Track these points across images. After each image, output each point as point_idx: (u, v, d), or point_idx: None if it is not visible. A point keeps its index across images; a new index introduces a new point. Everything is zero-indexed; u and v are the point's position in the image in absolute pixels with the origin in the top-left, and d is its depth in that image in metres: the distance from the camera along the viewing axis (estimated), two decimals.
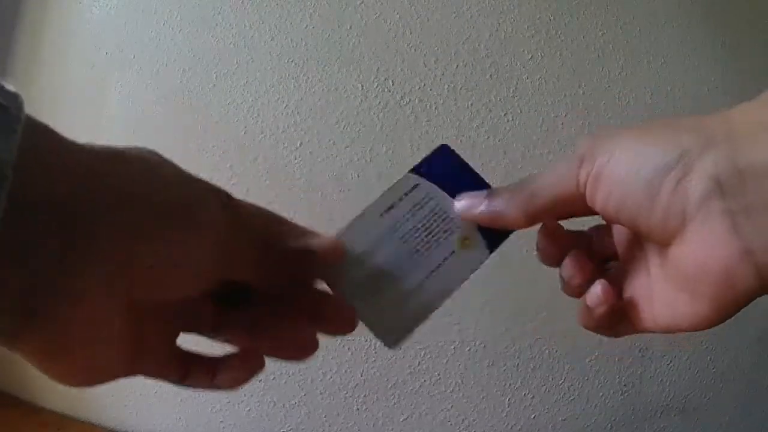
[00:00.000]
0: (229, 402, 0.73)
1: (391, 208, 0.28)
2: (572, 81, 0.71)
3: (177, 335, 0.25)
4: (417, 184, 0.28)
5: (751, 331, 0.72)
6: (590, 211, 0.25)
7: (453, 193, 0.28)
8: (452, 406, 0.73)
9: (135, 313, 0.20)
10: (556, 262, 0.28)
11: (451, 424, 0.73)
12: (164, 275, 0.20)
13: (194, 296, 0.22)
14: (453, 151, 0.29)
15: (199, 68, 0.75)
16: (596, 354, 0.72)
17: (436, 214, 0.28)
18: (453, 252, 0.28)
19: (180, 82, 0.75)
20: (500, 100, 0.71)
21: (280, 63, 0.73)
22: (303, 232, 0.27)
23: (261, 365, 0.26)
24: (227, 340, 0.26)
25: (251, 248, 0.24)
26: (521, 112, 0.71)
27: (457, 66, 0.71)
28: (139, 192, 0.20)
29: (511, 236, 0.28)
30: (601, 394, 0.73)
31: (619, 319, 0.26)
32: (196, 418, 0.75)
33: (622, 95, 0.71)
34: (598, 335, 0.28)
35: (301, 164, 0.72)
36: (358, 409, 0.73)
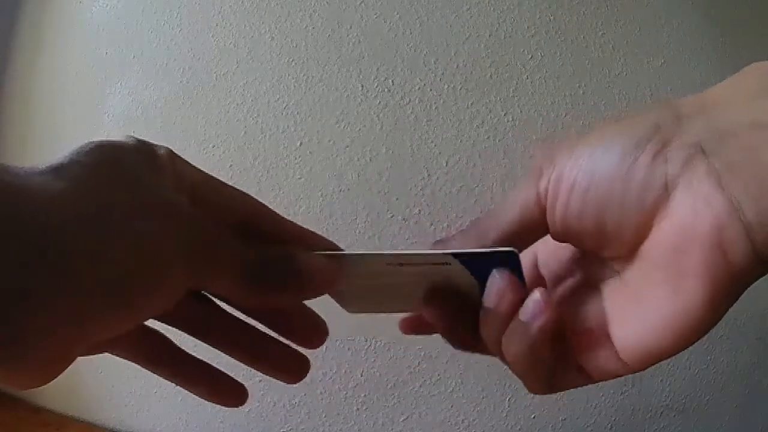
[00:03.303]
0: None
1: (402, 265, 0.24)
2: (572, 81, 0.71)
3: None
4: (447, 263, 0.23)
5: (750, 331, 0.72)
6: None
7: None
8: (452, 406, 0.73)
9: None
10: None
11: (451, 424, 0.73)
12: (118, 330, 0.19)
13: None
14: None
15: (199, 68, 0.75)
16: None
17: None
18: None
19: (180, 82, 0.75)
20: (500, 100, 0.71)
21: (280, 63, 0.73)
22: (295, 234, 0.26)
23: (241, 396, 0.25)
24: (205, 341, 0.25)
25: (224, 282, 0.21)
26: (521, 112, 0.71)
27: (457, 66, 0.71)
28: (86, 267, 0.17)
29: None
30: (601, 394, 0.73)
31: (563, 359, 0.23)
32: (196, 418, 0.75)
33: (622, 95, 0.71)
34: None
35: (301, 164, 0.72)
36: (358, 409, 0.73)
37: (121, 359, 0.23)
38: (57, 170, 0.18)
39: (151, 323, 0.24)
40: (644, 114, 0.21)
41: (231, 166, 0.74)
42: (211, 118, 0.75)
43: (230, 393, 0.25)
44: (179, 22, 0.76)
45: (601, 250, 0.22)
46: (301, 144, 0.73)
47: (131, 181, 0.19)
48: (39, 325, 0.16)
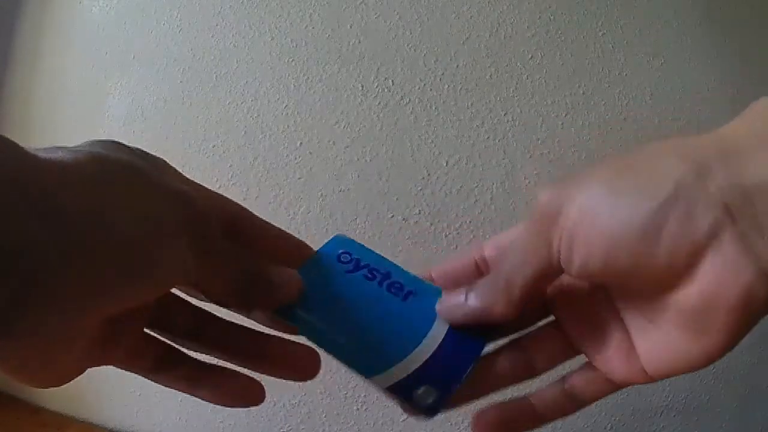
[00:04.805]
0: None
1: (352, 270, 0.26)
2: (572, 81, 0.71)
3: (141, 328, 0.24)
4: None
5: (751, 332, 0.72)
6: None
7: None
8: None
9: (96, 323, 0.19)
10: None
11: (451, 425, 0.73)
12: (124, 308, 0.19)
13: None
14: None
15: (199, 68, 0.75)
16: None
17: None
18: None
19: (180, 82, 0.75)
20: (500, 100, 0.71)
21: (280, 63, 0.73)
22: (275, 246, 0.26)
23: (255, 395, 0.25)
24: (204, 351, 0.25)
25: (218, 276, 0.22)
26: (521, 112, 0.71)
27: (457, 66, 0.71)
28: (95, 240, 0.17)
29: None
30: None
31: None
32: (196, 418, 0.75)
33: (622, 95, 0.71)
34: None
35: (301, 164, 0.72)
36: (358, 409, 0.73)
37: None
38: (65, 149, 0.18)
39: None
40: (664, 160, 0.19)
41: (231, 166, 0.74)
42: (211, 118, 0.74)
43: (246, 392, 0.25)
44: (179, 22, 0.76)
45: (622, 294, 0.23)
46: (301, 144, 0.73)
47: (140, 167, 0.20)
48: (41, 291, 0.16)
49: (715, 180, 0.19)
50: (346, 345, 0.24)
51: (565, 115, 0.71)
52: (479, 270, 0.27)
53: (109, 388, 0.77)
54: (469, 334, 0.25)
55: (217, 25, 0.75)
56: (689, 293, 0.19)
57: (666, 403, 0.73)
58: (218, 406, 0.25)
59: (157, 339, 0.24)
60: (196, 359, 0.25)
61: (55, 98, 0.80)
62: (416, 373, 0.24)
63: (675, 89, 0.71)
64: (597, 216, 0.20)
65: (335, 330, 0.25)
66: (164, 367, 0.24)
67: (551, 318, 0.26)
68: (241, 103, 0.74)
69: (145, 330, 0.24)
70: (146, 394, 0.76)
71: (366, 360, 0.24)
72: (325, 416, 0.73)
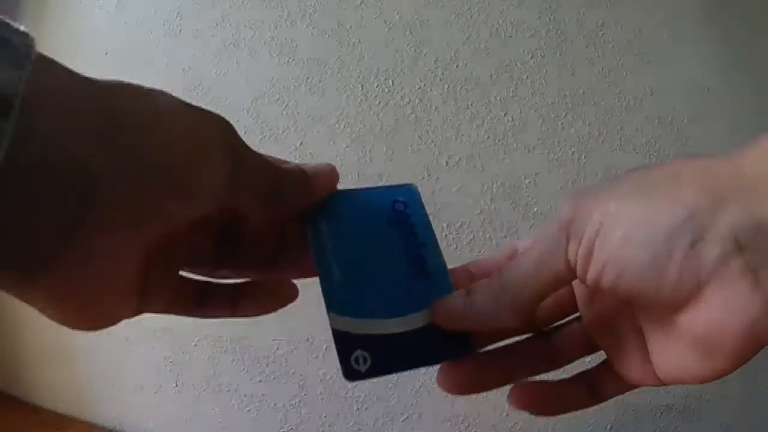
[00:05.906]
0: (229, 402, 0.73)
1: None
2: (572, 81, 0.71)
3: (179, 268, 0.25)
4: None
5: None
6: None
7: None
8: (452, 405, 0.73)
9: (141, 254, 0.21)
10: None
11: (451, 424, 0.73)
12: (173, 225, 0.21)
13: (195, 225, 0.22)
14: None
15: (199, 68, 0.75)
16: (597, 353, 0.72)
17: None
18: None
19: (180, 81, 0.75)
20: (500, 100, 0.71)
21: (280, 63, 0.73)
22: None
23: (291, 292, 0.26)
24: (228, 276, 0.26)
25: (254, 186, 0.24)
26: (521, 112, 0.71)
27: (457, 66, 0.71)
28: (152, 153, 0.19)
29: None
30: None
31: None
32: (196, 418, 0.75)
33: (622, 95, 0.71)
34: None
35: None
36: (358, 409, 0.73)
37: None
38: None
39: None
40: (682, 186, 0.20)
41: None
42: None
43: (282, 292, 0.26)
44: (179, 22, 0.76)
45: (638, 306, 0.24)
46: (301, 144, 0.73)
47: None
48: (97, 213, 0.18)
49: (728, 214, 0.19)
50: (336, 272, 0.24)
51: (565, 115, 0.71)
52: None
53: (109, 388, 0.77)
54: (456, 335, 0.24)
55: (217, 24, 0.75)
56: (696, 319, 0.20)
57: (666, 403, 0.73)
58: (218, 407, 0.26)
59: (191, 279, 0.26)
60: (229, 284, 0.26)
61: None
62: (367, 338, 0.23)
63: (675, 89, 0.71)
64: (613, 235, 0.20)
65: (337, 255, 0.25)
66: (205, 301, 0.26)
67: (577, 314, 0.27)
68: (241, 103, 0.74)
69: (180, 273, 0.25)
70: (146, 394, 0.76)
71: (337, 293, 0.23)
72: (325, 416, 0.73)
